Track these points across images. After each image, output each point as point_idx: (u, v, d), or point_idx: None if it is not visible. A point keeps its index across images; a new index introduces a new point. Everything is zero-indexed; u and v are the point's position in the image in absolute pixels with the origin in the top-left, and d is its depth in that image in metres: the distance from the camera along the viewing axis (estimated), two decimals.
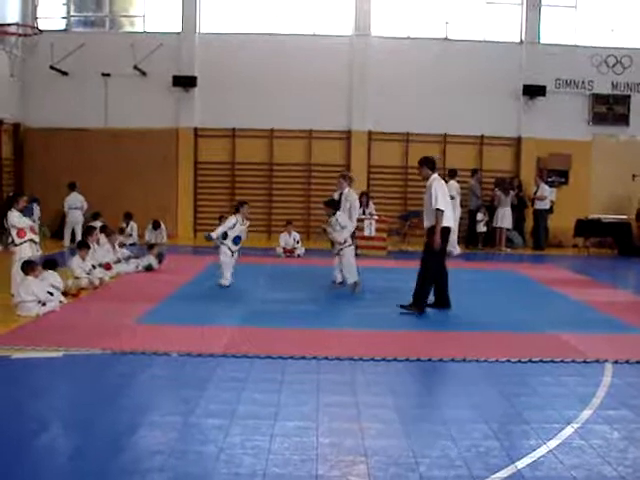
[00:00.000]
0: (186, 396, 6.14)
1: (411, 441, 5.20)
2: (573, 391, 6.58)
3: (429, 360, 7.50)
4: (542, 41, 20.30)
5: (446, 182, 17.52)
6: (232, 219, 11.78)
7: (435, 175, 10.22)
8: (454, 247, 17.66)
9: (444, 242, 10.11)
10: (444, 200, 9.93)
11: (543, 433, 5.38)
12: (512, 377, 7.08)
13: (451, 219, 10.31)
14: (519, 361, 7.54)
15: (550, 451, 5.04)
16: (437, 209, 9.81)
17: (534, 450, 5.05)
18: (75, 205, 18.12)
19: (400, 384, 6.81)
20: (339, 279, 11.81)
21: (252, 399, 6.07)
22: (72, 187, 18.21)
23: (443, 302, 10.25)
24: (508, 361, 7.53)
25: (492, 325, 9.43)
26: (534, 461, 4.86)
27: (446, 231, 10.06)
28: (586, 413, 5.89)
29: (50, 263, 10.68)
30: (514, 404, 6.16)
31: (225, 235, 11.61)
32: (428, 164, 10.31)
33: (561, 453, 5.00)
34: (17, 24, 16.10)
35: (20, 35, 16.07)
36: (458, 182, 17.85)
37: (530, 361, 7.53)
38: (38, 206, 17.71)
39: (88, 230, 13.16)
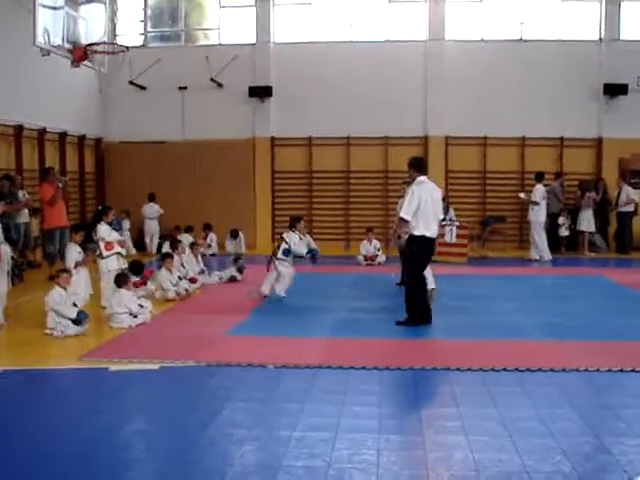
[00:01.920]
0: (287, 409, 6.13)
1: (521, 454, 5.06)
2: None
3: (527, 370, 7.32)
4: (622, 38, 19.69)
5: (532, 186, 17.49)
6: (294, 236, 11.56)
7: (421, 178, 9.40)
8: (545, 252, 17.27)
9: (423, 251, 9.46)
10: (420, 207, 9.15)
11: None
12: (616, 387, 6.86)
13: (432, 229, 9.34)
14: (621, 370, 7.29)
15: None
16: (400, 218, 9.36)
17: None
18: (151, 215, 18.88)
19: (500, 394, 6.60)
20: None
21: (353, 412, 6.03)
22: (151, 198, 19.03)
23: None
24: (609, 370, 7.29)
25: (586, 333, 9.13)
26: None
27: (425, 241, 9.33)
28: None
29: (136, 268, 11.02)
30: (622, 416, 5.95)
31: (288, 252, 11.53)
32: (414, 166, 9.52)
33: None
34: (105, 42, 16.67)
35: (108, 53, 16.61)
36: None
37: (633, 371, 7.28)
38: (128, 219, 18.40)
39: (173, 242, 13.34)
